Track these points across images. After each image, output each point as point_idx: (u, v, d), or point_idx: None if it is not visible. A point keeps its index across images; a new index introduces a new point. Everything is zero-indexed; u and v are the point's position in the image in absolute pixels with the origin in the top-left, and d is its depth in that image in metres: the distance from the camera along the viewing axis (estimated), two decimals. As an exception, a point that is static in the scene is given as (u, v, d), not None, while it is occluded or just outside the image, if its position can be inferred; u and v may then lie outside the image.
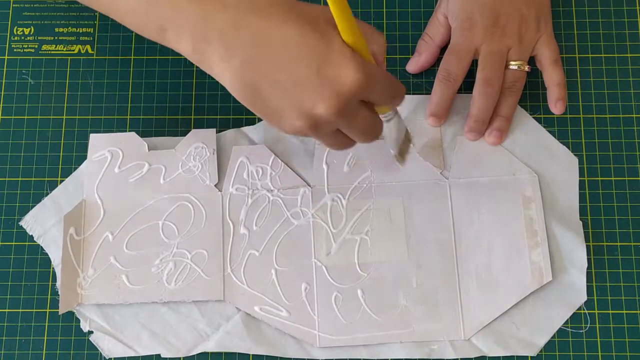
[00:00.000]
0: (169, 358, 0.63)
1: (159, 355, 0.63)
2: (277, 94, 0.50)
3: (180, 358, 0.63)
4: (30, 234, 0.66)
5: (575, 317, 0.63)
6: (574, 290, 0.63)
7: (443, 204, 0.65)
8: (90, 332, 0.63)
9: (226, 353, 0.63)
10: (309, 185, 0.66)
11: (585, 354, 0.62)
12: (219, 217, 0.65)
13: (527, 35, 0.66)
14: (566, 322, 0.63)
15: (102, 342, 0.63)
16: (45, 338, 0.64)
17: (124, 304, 0.63)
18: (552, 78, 0.67)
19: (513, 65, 0.66)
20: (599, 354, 0.62)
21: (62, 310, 0.63)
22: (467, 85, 0.68)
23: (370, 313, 0.63)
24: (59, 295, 0.64)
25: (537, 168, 0.66)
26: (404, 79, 0.69)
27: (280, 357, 0.63)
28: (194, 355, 0.63)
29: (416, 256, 0.64)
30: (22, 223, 0.66)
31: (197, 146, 0.67)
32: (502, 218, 0.64)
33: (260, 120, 0.69)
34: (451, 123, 0.68)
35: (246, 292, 0.63)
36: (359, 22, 0.51)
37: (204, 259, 0.64)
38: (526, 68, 0.66)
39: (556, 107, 0.67)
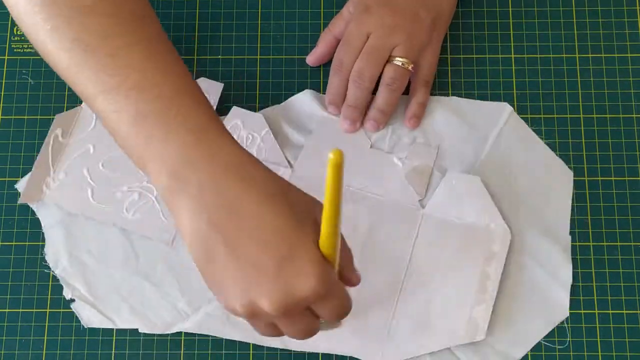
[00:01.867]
0: (145, 333, 0.63)
1: (136, 330, 0.63)
2: (229, 267, 0.47)
3: (160, 338, 0.62)
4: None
5: (558, 332, 0.63)
6: (557, 306, 0.63)
7: (409, 232, 0.64)
8: (72, 300, 0.64)
9: (204, 335, 0.63)
10: (291, 167, 0.66)
11: (586, 354, 0.62)
12: None
13: (418, 37, 0.64)
14: (550, 335, 0.62)
15: (82, 311, 0.63)
16: (45, 338, 0.64)
17: (104, 268, 0.63)
18: (417, 96, 0.66)
19: (397, 61, 0.64)
20: (599, 354, 0.62)
21: (21, 200, 0.65)
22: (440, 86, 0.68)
23: None
24: (61, 299, 0.64)
25: (530, 179, 0.65)
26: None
27: (257, 345, 0.62)
28: (174, 336, 0.63)
29: (364, 271, 0.59)
30: (17, 185, 0.67)
31: None
32: (460, 264, 0.63)
33: (261, 108, 0.68)
34: (450, 128, 0.67)
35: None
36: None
37: None
38: (410, 67, 0.65)
39: (410, 121, 0.66)
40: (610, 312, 0.63)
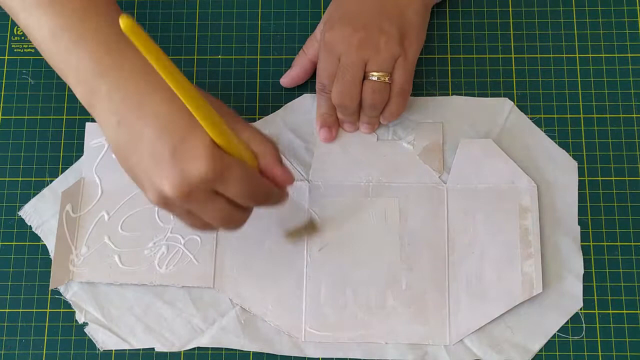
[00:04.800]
0: (163, 352, 0.63)
1: (152, 348, 0.63)
2: (139, 162, 0.51)
3: (173, 353, 0.63)
4: (28, 224, 0.66)
5: (572, 322, 0.63)
6: (570, 296, 0.63)
7: (439, 209, 0.65)
8: (85, 324, 0.63)
9: (217, 349, 0.63)
10: (307, 180, 0.66)
11: (586, 354, 0.62)
12: None
13: (387, 48, 0.62)
14: (564, 328, 0.63)
15: (97, 334, 0.63)
16: (45, 338, 0.64)
17: (118, 288, 0.63)
18: (390, 107, 0.65)
19: (372, 76, 0.63)
20: (599, 354, 0.62)
21: (52, 285, 0.64)
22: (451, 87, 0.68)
23: (358, 311, 0.63)
24: (61, 299, 0.64)
25: (536, 172, 0.66)
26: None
27: (274, 354, 0.62)
28: (187, 350, 0.63)
29: (407, 258, 0.64)
30: (20, 213, 0.66)
31: None
32: (497, 226, 0.64)
33: (260, 117, 0.69)
34: (452, 125, 0.67)
35: (236, 281, 0.63)
36: (250, 130, 0.53)
37: (196, 246, 0.64)
38: (386, 79, 0.63)
39: (381, 120, 0.66)
40: (611, 312, 0.63)
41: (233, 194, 0.52)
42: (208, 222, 0.54)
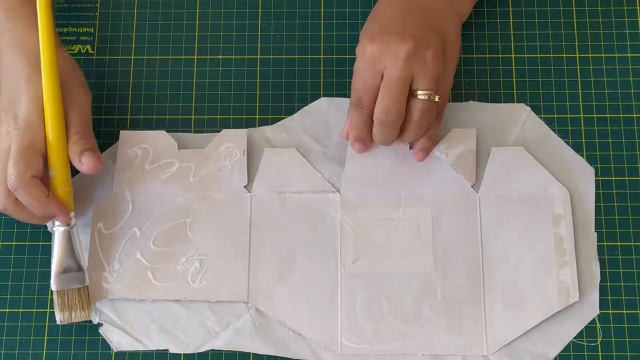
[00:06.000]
0: (177, 354, 0.63)
1: (166, 350, 0.63)
2: None
3: (187, 354, 0.63)
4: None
5: (587, 330, 0.63)
6: (587, 304, 0.63)
7: (472, 218, 0.64)
8: (100, 324, 0.63)
9: (231, 351, 0.63)
10: (338, 192, 0.65)
11: (586, 354, 0.62)
12: (246, 218, 0.65)
13: (435, 65, 0.60)
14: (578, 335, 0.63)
15: (111, 335, 0.63)
16: (46, 338, 0.64)
17: (136, 300, 0.63)
18: (429, 131, 0.63)
19: (421, 95, 0.60)
20: (599, 354, 0.62)
21: None
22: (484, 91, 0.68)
23: (394, 322, 0.62)
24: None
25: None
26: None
27: (289, 358, 0.62)
28: (199, 352, 0.63)
29: (442, 268, 0.63)
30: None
31: (227, 146, 0.67)
32: (531, 234, 0.64)
33: (260, 117, 0.69)
34: (483, 134, 0.67)
35: (270, 295, 0.63)
36: (74, 79, 0.63)
37: (229, 260, 0.64)
38: (436, 99, 0.61)
39: (417, 155, 0.64)
40: (611, 312, 0.63)
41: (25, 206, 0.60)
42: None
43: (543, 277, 0.62)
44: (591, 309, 0.63)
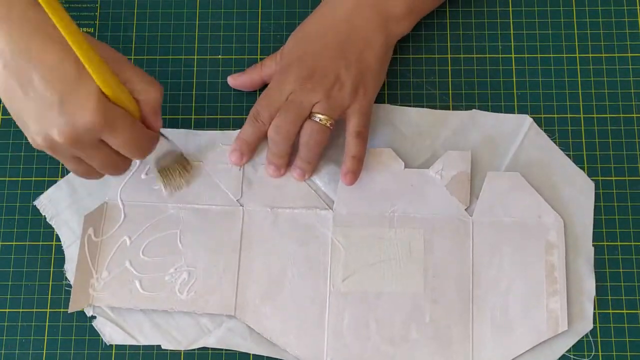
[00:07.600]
0: (164, 351, 0.63)
1: (154, 347, 0.63)
2: (26, 106, 0.54)
3: (173, 352, 0.63)
4: (43, 214, 0.66)
5: (580, 344, 0.63)
6: (581, 318, 0.63)
7: (464, 241, 0.64)
8: (94, 318, 0.63)
9: (217, 349, 0.63)
10: (331, 209, 0.65)
11: (586, 353, 0.62)
12: (237, 231, 0.65)
13: (338, 96, 0.63)
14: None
15: (104, 328, 0.63)
16: (46, 338, 0.64)
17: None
18: (349, 149, 0.64)
19: (315, 117, 0.63)
20: (600, 353, 0.62)
21: (71, 309, 0.63)
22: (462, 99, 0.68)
23: (381, 344, 0.62)
24: (68, 294, 0.64)
25: (552, 191, 0.65)
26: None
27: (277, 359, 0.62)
28: (187, 350, 0.63)
29: (432, 291, 0.63)
30: (36, 203, 0.67)
31: (225, 161, 0.66)
32: (523, 262, 0.63)
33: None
34: (485, 143, 0.67)
35: (258, 310, 0.63)
36: (135, 71, 0.56)
37: (218, 273, 0.64)
38: (329, 124, 0.63)
39: (345, 177, 0.64)
40: (611, 312, 0.63)
41: (117, 145, 0.56)
42: (91, 167, 0.58)
43: (533, 304, 0.62)
44: (585, 324, 0.62)
